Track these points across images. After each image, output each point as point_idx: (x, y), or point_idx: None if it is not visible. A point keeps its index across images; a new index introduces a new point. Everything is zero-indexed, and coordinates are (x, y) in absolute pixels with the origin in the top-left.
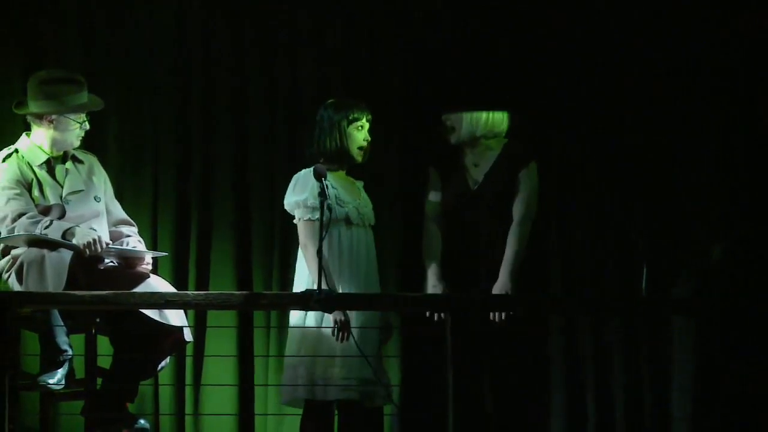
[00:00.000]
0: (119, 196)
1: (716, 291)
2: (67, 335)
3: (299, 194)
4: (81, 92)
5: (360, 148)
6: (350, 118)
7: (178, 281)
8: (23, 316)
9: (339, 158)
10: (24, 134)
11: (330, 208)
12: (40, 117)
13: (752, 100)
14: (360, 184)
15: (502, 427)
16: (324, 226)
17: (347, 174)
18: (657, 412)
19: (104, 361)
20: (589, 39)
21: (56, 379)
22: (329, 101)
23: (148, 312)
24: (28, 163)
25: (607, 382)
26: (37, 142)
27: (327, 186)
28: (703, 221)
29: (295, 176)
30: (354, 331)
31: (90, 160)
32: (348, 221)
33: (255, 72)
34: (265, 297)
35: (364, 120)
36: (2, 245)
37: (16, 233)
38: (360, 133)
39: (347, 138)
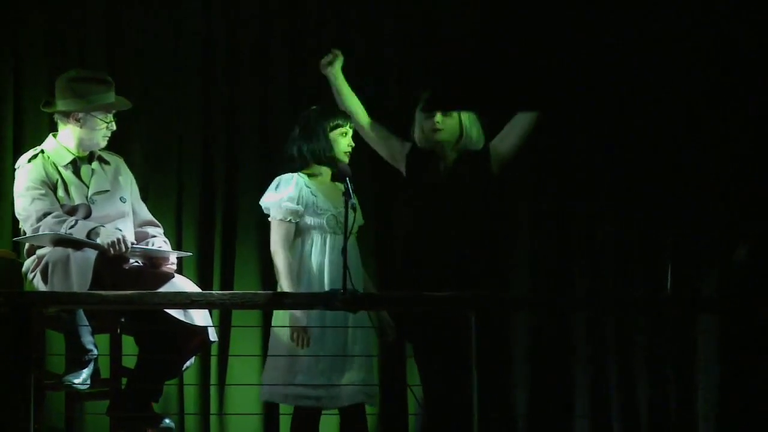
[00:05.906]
0: (143, 196)
1: (741, 290)
2: (92, 335)
3: (280, 194)
4: (109, 92)
5: (346, 152)
6: (335, 124)
7: (203, 281)
8: (48, 316)
9: (327, 163)
10: (50, 135)
11: (354, 209)
12: (67, 115)
13: None
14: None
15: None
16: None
17: (332, 179)
18: (683, 411)
19: (129, 361)
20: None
21: (81, 378)
22: (313, 107)
23: (173, 312)
24: (54, 163)
25: (632, 382)
26: (63, 143)
27: (349, 186)
28: (729, 220)
29: (279, 177)
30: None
31: (116, 161)
32: (323, 229)
33: (280, 69)
34: (289, 296)
35: (347, 127)
36: (27, 245)
37: (41, 233)
38: (345, 139)
39: (334, 143)
